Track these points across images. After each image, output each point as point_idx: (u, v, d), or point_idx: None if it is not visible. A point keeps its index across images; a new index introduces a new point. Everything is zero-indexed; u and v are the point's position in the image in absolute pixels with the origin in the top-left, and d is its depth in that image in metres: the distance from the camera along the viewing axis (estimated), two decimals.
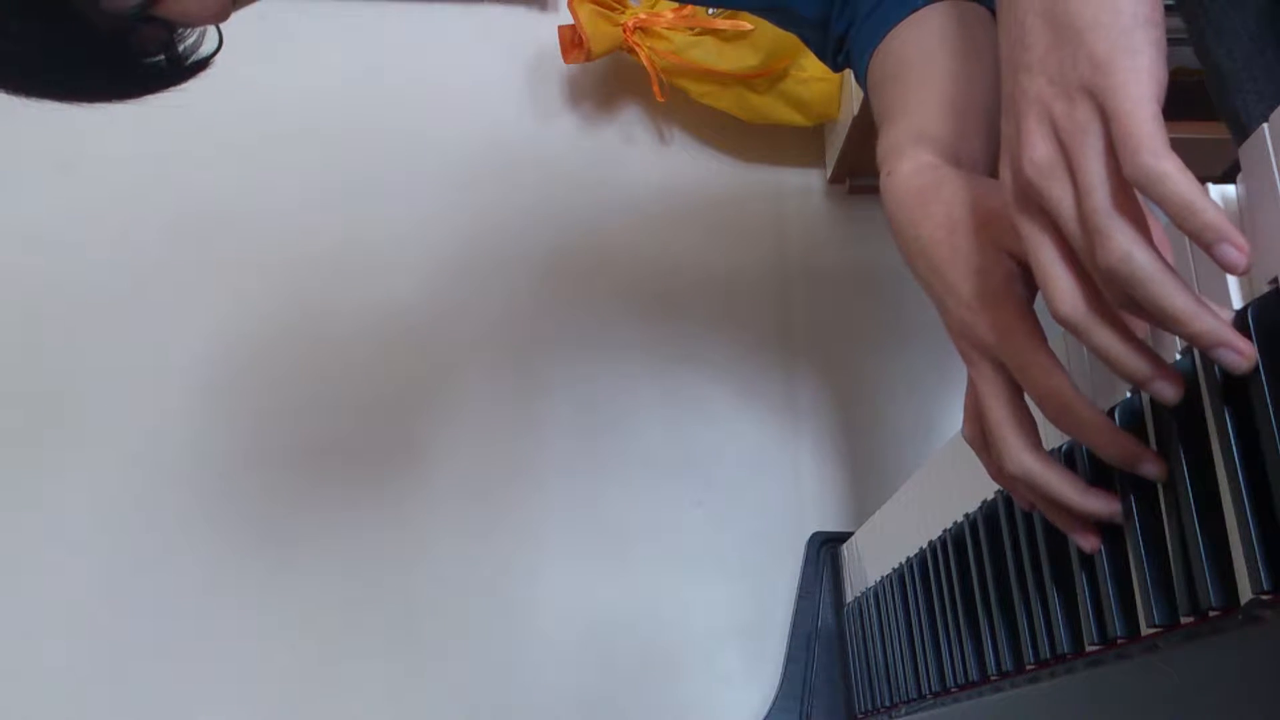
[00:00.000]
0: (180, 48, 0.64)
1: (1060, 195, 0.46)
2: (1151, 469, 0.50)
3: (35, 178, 1.33)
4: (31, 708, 1.14)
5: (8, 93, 0.61)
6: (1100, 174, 0.44)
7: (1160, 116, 0.43)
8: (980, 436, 0.57)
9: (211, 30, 0.65)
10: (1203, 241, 0.41)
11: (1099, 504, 0.53)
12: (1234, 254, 0.41)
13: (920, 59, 0.70)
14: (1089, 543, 0.55)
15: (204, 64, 0.65)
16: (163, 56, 0.63)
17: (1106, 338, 0.46)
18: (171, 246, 1.31)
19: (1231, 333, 0.42)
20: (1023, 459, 0.53)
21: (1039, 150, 0.47)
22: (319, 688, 1.16)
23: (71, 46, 0.59)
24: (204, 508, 1.21)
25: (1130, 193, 0.44)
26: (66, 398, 1.25)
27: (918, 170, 0.60)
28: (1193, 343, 0.43)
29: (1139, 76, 0.43)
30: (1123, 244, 0.43)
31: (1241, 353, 0.42)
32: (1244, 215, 0.45)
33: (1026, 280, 0.54)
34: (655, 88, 1.31)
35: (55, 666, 1.15)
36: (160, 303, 1.29)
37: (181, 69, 0.65)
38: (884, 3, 0.80)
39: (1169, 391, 0.46)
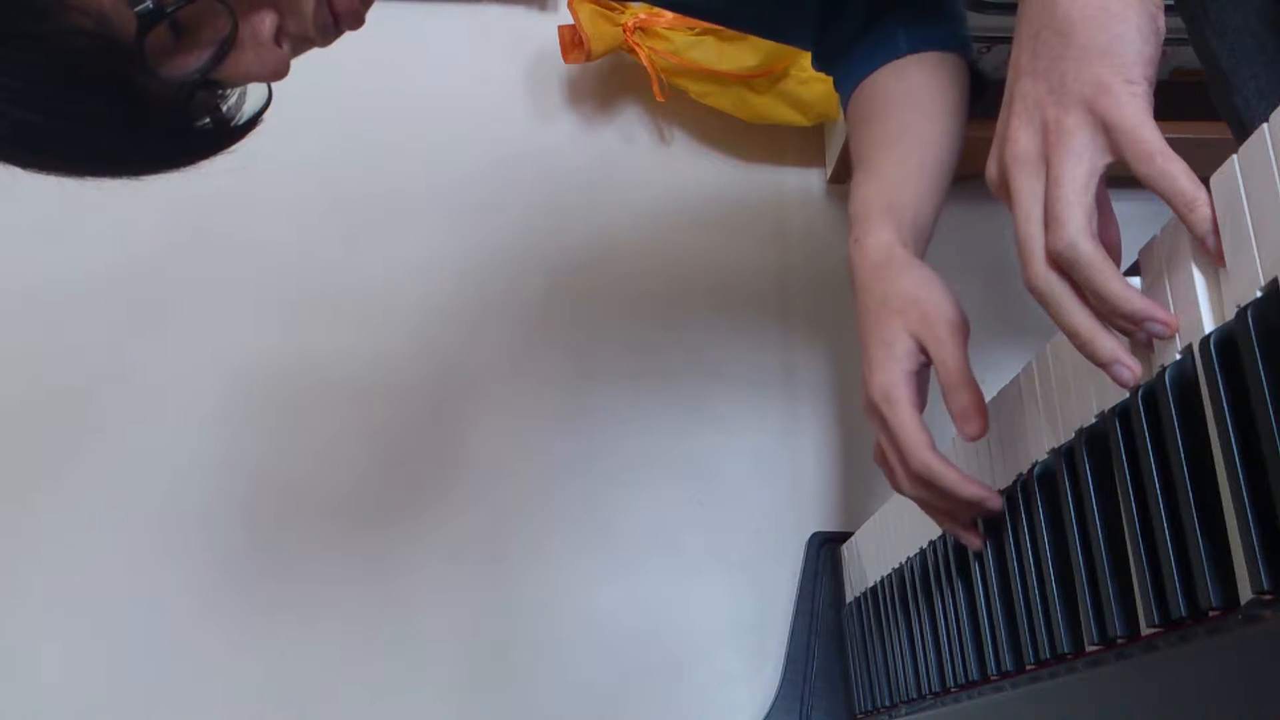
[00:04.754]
0: (224, 109, 0.60)
1: (1023, 184, 0.53)
2: (995, 504, 0.65)
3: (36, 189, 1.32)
4: (31, 708, 1.14)
5: (49, 173, 0.55)
6: (1071, 171, 0.50)
7: (1158, 130, 0.49)
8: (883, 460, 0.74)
9: (252, 87, 0.61)
10: (1198, 234, 0.47)
11: (978, 490, 0.65)
12: (1212, 239, 0.46)
13: (897, 113, 0.81)
14: (974, 541, 0.69)
15: (254, 123, 0.62)
16: (209, 120, 0.59)
17: (1069, 308, 0.51)
18: (170, 248, 1.31)
19: (1160, 309, 0.49)
20: (924, 457, 0.67)
21: (1021, 144, 0.53)
22: (317, 687, 1.16)
23: (130, 121, 0.55)
24: (204, 513, 1.20)
25: (1088, 191, 0.50)
26: (65, 399, 1.25)
27: (878, 247, 0.74)
28: (1128, 320, 0.50)
29: (1139, 103, 0.49)
30: (1073, 231, 0.50)
31: (1167, 324, 0.49)
32: (1244, 215, 0.45)
33: (919, 361, 0.69)
34: (655, 88, 1.31)
35: (54, 667, 1.15)
36: (160, 305, 1.29)
37: (231, 131, 0.60)
38: (868, 35, 0.83)
39: (1126, 375, 0.51)
